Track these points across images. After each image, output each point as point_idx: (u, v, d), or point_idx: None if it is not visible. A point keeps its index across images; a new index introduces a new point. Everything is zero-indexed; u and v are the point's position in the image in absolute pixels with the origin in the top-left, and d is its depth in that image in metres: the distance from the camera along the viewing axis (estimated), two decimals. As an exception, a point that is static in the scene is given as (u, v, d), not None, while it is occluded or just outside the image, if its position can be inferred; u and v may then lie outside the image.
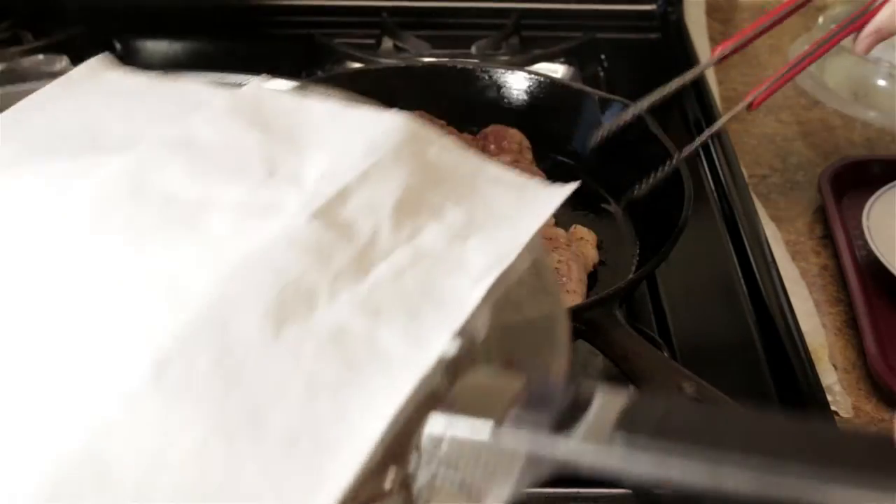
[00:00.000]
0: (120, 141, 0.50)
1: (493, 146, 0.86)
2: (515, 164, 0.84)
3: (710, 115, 0.97)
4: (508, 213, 0.48)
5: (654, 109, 0.81)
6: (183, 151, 0.48)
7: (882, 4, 0.73)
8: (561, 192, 0.50)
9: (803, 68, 0.80)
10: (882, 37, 0.74)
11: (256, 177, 0.47)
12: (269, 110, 0.52)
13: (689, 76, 0.77)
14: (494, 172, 0.51)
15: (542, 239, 0.49)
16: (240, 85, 0.57)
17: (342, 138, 0.50)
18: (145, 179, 0.47)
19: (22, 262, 0.43)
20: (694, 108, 1.00)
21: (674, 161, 0.75)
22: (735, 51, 0.77)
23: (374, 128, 0.51)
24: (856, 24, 0.75)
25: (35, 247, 0.44)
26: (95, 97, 0.54)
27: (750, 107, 0.76)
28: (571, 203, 0.82)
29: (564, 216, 0.80)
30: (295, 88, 0.57)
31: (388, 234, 0.44)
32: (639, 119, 0.80)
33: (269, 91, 0.54)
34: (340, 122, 0.52)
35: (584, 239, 0.76)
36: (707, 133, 0.80)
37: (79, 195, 0.46)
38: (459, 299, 0.42)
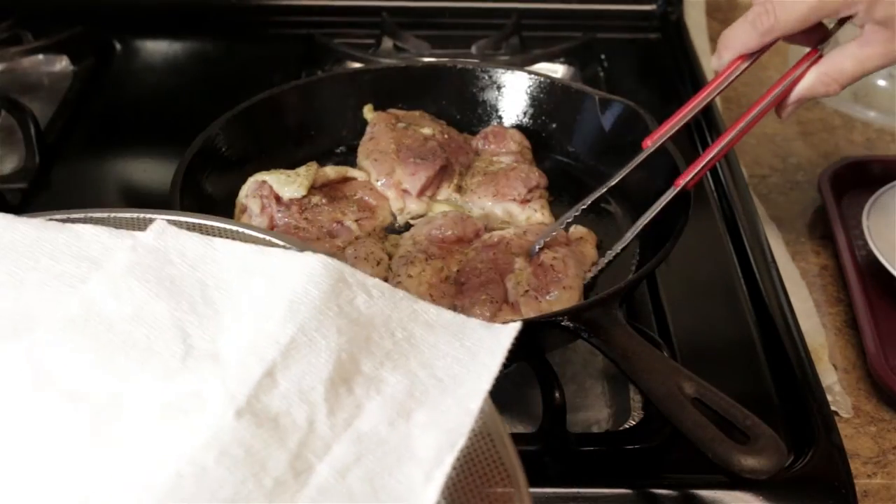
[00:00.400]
0: (13, 319, 0.45)
1: (492, 146, 0.86)
2: (515, 164, 0.84)
3: (709, 116, 0.97)
4: (452, 370, 0.43)
5: (654, 109, 0.81)
6: (87, 332, 0.43)
7: (805, 72, 0.73)
8: (505, 338, 0.44)
9: (729, 149, 0.77)
10: (803, 102, 0.74)
11: (172, 358, 0.43)
12: (175, 262, 0.47)
13: (635, 162, 0.74)
14: (428, 315, 0.46)
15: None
16: (136, 221, 0.52)
17: (259, 296, 0.46)
18: (48, 373, 0.42)
19: None
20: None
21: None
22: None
23: (292, 280, 0.45)
24: (777, 98, 0.74)
25: None
26: None
27: (686, 187, 0.72)
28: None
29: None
30: (196, 224, 0.51)
31: (324, 422, 0.40)
32: (639, 119, 0.80)
33: (172, 237, 0.48)
34: (253, 274, 0.47)
35: (584, 238, 0.76)
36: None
37: None
38: (413, 501, 0.38)
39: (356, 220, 0.77)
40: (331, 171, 0.82)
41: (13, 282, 0.47)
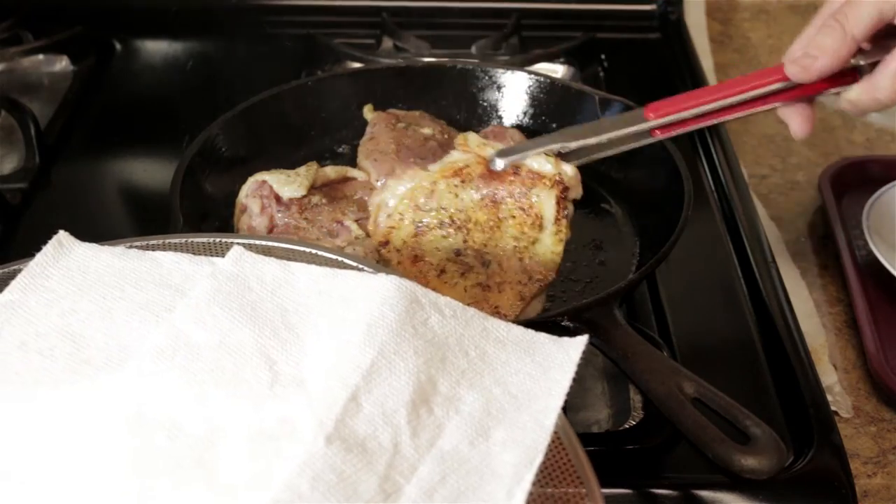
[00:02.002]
0: (106, 352, 0.46)
1: (493, 146, 0.87)
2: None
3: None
4: (525, 386, 0.45)
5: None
6: (176, 362, 0.45)
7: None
8: (574, 352, 0.46)
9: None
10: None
11: (260, 385, 0.44)
12: (254, 288, 0.48)
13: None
14: (499, 332, 0.47)
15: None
16: (212, 245, 0.53)
17: (337, 320, 0.47)
18: (143, 406, 0.43)
19: None
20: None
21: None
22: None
23: (368, 304, 0.47)
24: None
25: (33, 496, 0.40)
26: (68, 290, 0.50)
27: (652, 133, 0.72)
28: (571, 203, 0.82)
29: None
30: (269, 247, 0.53)
31: (408, 444, 0.42)
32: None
33: (249, 262, 0.50)
34: (330, 297, 0.48)
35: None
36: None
37: (75, 434, 0.42)
38: None
39: (356, 220, 0.77)
40: (331, 171, 0.82)
41: (102, 312, 0.48)
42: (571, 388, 0.70)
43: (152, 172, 0.92)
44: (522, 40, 1.12)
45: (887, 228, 0.84)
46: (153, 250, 0.53)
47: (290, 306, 0.48)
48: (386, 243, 0.74)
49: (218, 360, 0.45)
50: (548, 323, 0.62)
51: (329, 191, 0.80)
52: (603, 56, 1.11)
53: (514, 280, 0.69)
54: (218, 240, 0.53)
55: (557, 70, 1.11)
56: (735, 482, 0.57)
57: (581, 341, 0.46)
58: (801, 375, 0.67)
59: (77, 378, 0.45)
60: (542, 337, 0.47)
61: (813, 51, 0.64)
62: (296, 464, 0.40)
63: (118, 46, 1.12)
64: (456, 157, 0.76)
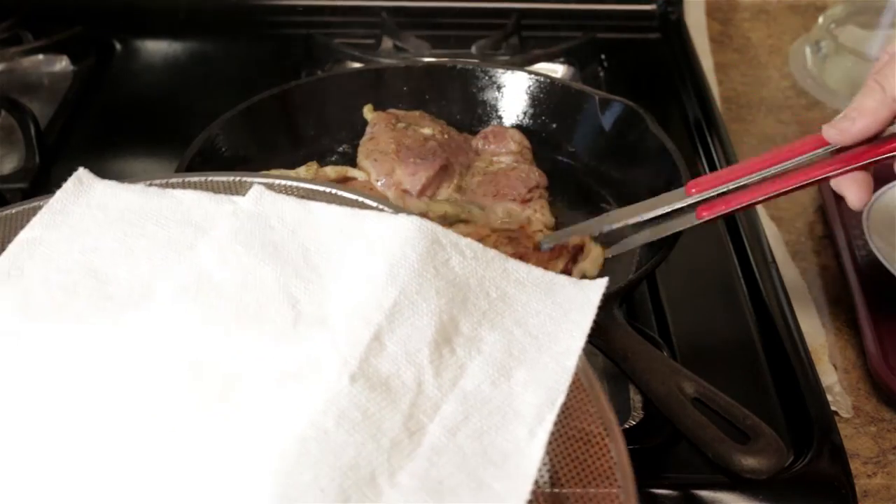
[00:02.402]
0: (129, 289, 0.46)
1: (492, 146, 0.86)
2: (515, 164, 0.84)
3: (709, 115, 0.97)
4: (546, 328, 0.45)
5: (654, 109, 0.81)
6: (200, 300, 0.45)
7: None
8: (594, 294, 0.47)
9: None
10: None
11: (283, 323, 0.44)
12: (275, 227, 0.49)
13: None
14: (519, 273, 0.48)
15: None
16: (232, 184, 0.53)
17: (358, 259, 0.47)
18: (168, 344, 0.43)
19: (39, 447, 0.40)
20: (694, 107, 1.00)
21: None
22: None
23: (390, 243, 0.47)
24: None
25: (57, 434, 0.40)
26: (89, 227, 0.50)
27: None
28: (571, 203, 0.83)
29: (565, 216, 0.80)
30: (290, 187, 0.52)
31: (431, 383, 0.42)
32: (639, 119, 0.80)
33: (270, 201, 0.50)
34: (351, 237, 0.48)
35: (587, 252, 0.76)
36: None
37: (99, 370, 0.42)
38: (519, 458, 0.39)
39: (356, 220, 0.77)
40: (331, 171, 0.82)
41: (124, 250, 0.48)
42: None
43: (152, 172, 0.91)
44: (522, 40, 1.13)
45: (887, 228, 0.84)
46: (173, 188, 0.52)
47: (312, 245, 0.48)
48: None
49: (241, 298, 0.45)
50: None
51: (329, 191, 0.80)
52: (603, 56, 1.11)
53: None
54: (237, 179, 0.53)
55: (557, 70, 1.11)
56: (735, 482, 0.57)
57: (601, 283, 0.47)
58: (801, 375, 0.67)
59: (101, 314, 0.45)
60: (562, 279, 0.47)
61: (852, 113, 0.62)
62: (321, 401, 0.40)
63: (118, 46, 1.12)
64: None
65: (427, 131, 0.86)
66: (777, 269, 0.77)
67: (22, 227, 0.50)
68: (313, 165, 0.81)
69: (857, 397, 0.74)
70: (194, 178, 0.54)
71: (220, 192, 0.53)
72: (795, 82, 1.14)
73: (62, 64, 1.12)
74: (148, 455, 0.39)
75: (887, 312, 0.79)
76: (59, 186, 0.90)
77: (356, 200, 0.52)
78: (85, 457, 0.40)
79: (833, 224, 0.88)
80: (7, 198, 0.85)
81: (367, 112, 0.89)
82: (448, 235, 0.47)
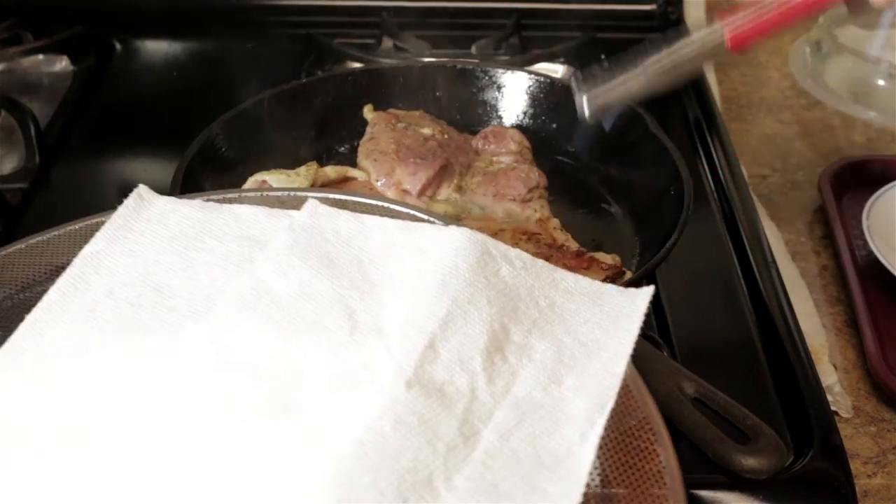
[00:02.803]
0: (190, 301, 0.48)
1: (492, 146, 0.87)
2: (515, 164, 0.84)
3: (709, 115, 0.97)
4: (594, 335, 0.46)
5: (654, 109, 0.81)
6: (259, 310, 0.46)
7: None
8: (641, 302, 0.48)
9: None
10: None
11: (340, 332, 0.46)
12: (330, 240, 0.50)
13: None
14: (567, 283, 0.49)
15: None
16: (286, 197, 0.54)
17: (411, 271, 0.48)
18: (230, 351, 0.45)
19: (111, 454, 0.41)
20: (694, 107, 1.00)
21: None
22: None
23: (441, 255, 0.48)
24: None
25: (127, 438, 0.42)
26: (150, 241, 0.52)
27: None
28: (571, 203, 0.83)
29: (564, 217, 0.80)
30: (346, 202, 0.54)
31: (484, 389, 0.43)
32: (639, 119, 0.80)
33: (324, 215, 0.52)
34: (403, 249, 0.50)
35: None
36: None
37: (166, 379, 0.44)
38: (571, 461, 0.40)
39: (356, 220, 0.77)
40: (331, 171, 0.82)
41: (184, 263, 0.50)
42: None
43: (152, 172, 0.92)
44: (522, 40, 1.12)
45: (887, 228, 0.84)
46: (230, 203, 0.54)
47: (366, 257, 0.49)
48: None
49: (299, 308, 0.46)
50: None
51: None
52: (603, 56, 1.11)
53: None
54: (292, 193, 0.55)
55: (557, 70, 1.11)
56: (735, 482, 0.57)
57: (648, 291, 0.48)
58: (801, 375, 0.67)
59: (165, 325, 0.47)
60: (610, 288, 0.49)
61: None
62: (378, 407, 0.41)
63: (118, 46, 1.12)
64: (538, 228, 0.77)
65: (427, 131, 0.86)
66: (777, 269, 0.77)
67: (85, 241, 0.52)
68: (313, 165, 0.81)
69: (857, 397, 0.74)
70: (250, 193, 0.55)
71: (274, 207, 0.54)
72: (795, 82, 1.14)
73: (62, 64, 1.12)
74: (211, 460, 0.41)
75: (887, 312, 0.79)
76: (59, 186, 0.91)
77: (408, 214, 0.54)
78: (152, 462, 0.41)
79: (833, 224, 0.88)
80: (7, 198, 0.85)
81: (367, 112, 0.89)
82: (498, 247, 0.49)
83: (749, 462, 0.53)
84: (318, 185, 0.80)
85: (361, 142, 0.86)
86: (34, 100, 1.02)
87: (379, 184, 0.82)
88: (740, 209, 0.84)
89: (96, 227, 0.53)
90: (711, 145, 0.93)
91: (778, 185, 0.98)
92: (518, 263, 0.49)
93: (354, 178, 0.82)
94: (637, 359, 0.59)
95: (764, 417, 0.55)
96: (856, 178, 0.94)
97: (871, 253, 0.81)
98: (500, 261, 0.48)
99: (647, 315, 0.74)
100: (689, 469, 0.60)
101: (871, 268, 0.82)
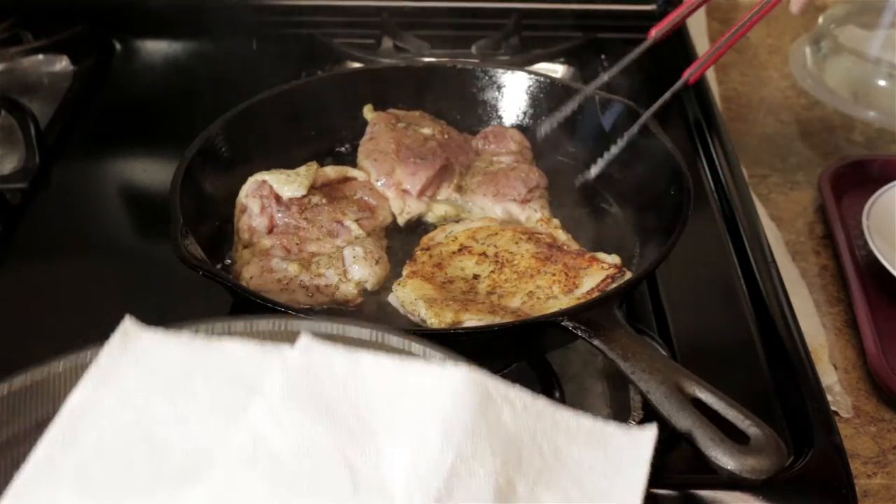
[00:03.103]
0: (186, 456, 0.46)
1: (492, 146, 0.87)
2: (515, 164, 0.84)
3: (709, 115, 0.97)
4: (600, 485, 0.46)
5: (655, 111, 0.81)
6: (259, 470, 0.45)
7: None
8: (645, 449, 0.47)
9: (736, 40, 0.80)
10: None
11: (341, 493, 0.44)
12: (326, 383, 0.48)
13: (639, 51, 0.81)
14: (568, 424, 0.48)
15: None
16: (275, 332, 0.53)
17: (410, 416, 0.47)
18: None
19: None
20: (694, 107, 1.00)
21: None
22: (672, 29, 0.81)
23: (441, 400, 0.47)
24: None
25: None
26: (139, 385, 0.49)
27: (688, 84, 0.78)
28: (571, 203, 0.83)
29: (565, 217, 0.80)
30: (335, 336, 0.52)
31: None
32: (639, 119, 0.80)
33: (318, 353, 0.50)
34: (402, 392, 0.48)
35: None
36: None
37: None
38: None
39: (356, 220, 0.77)
40: (331, 171, 0.82)
41: (176, 412, 0.48)
42: (571, 389, 0.70)
43: (152, 172, 0.92)
44: (522, 40, 1.12)
45: (887, 228, 0.84)
46: (218, 336, 0.52)
47: (363, 402, 0.48)
48: (427, 249, 0.75)
49: (299, 465, 0.45)
50: (549, 323, 0.62)
51: (329, 191, 0.80)
52: (603, 56, 1.11)
53: (502, 311, 0.68)
54: (282, 324, 0.53)
55: (557, 70, 1.11)
56: (735, 482, 0.57)
57: (651, 435, 0.47)
58: (801, 375, 0.67)
59: (160, 487, 0.45)
60: (612, 429, 0.48)
61: None
62: None
63: (118, 46, 1.12)
64: (540, 228, 0.77)
65: (427, 131, 0.86)
66: (777, 269, 0.77)
67: (71, 384, 0.50)
68: (313, 165, 0.81)
69: (857, 397, 0.74)
70: (239, 324, 0.53)
71: (264, 339, 0.53)
72: (795, 82, 1.14)
73: (62, 64, 1.12)
74: None
75: (887, 312, 0.79)
76: (59, 186, 0.91)
77: (402, 348, 0.52)
78: None
79: (833, 224, 0.88)
80: (7, 198, 0.85)
81: (367, 112, 0.89)
82: (498, 387, 0.48)
83: (749, 462, 0.53)
84: (318, 184, 0.80)
85: (361, 142, 0.86)
86: (34, 100, 1.02)
87: (379, 184, 0.82)
88: (740, 209, 0.84)
89: (82, 369, 0.50)
90: (711, 145, 0.93)
91: (778, 185, 0.98)
92: (519, 404, 0.48)
93: (354, 178, 0.82)
94: (637, 359, 0.59)
95: (764, 417, 0.55)
96: (856, 178, 0.94)
97: (871, 253, 0.81)
98: (501, 403, 0.47)
99: (647, 315, 0.75)
100: (689, 469, 0.60)
101: (871, 268, 0.82)
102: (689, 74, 0.76)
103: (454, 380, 0.48)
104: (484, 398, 0.47)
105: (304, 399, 0.48)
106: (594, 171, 0.81)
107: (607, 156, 0.80)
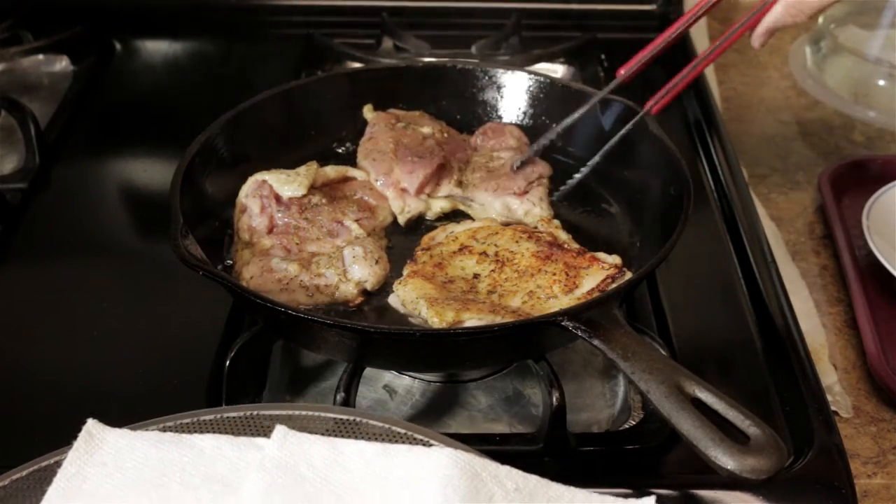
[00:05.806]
0: None
1: (491, 141, 0.87)
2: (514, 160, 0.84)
3: (709, 115, 0.97)
4: None
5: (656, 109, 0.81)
6: None
7: (774, 2, 0.77)
8: None
9: (700, 71, 0.82)
10: (773, 32, 0.79)
11: None
12: (306, 476, 0.46)
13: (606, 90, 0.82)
14: (562, 502, 0.47)
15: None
16: (246, 419, 0.50)
17: None
18: None
19: None
20: (694, 108, 1.00)
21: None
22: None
23: (429, 487, 0.45)
24: (750, 22, 0.78)
25: None
26: (108, 492, 0.47)
27: (650, 113, 0.79)
28: (571, 203, 0.83)
29: (565, 216, 0.80)
30: (317, 420, 0.50)
31: None
32: (640, 120, 0.80)
33: (296, 444, 0.47)
34: (386, 480, 0.46)
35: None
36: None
37: None
38: None
39: (356, 220, 0.77)
40: (331, 171, 0.82)
41: None
42: (571, 389, 0.70)
43: (152, 172, 0.92)
44: (522, 40, 1.12)
45: (887, 228, 0.84)
46: (188, 431, 0.50)
47: (347, 496, 0.46)
48: (427, 248, 0.75)
49: None
50: (549, 322, 0.62)
51: (329, 190, 0.80)
52: (603, 56, 1.11)
53: (503, 311, 0.68)
54: (253, 412, 0.51)
55: (557, 70, 1.11)
56: (735, 482, 0.57)
57: (650, 503, 0.46)
58: (800, 375, 0.67)
59: None
60: (609, 501, 0.47)
61: None
62: None
63: (118, 46, 1.12)
64: (541, 227, 0.78)
65: (426, 130, 0.86)
66: (777, 269, 0.77)
67: (36, 492, 0.48)
68: (313, 165, 0.81)
69: (857, 397, 0.74)
70: (207, 417, 0.51)
71: (236, 430, 0.50)
72: (795, 82, 1.14)
73: (62, 64, 1.12)
74: None
75: (887, 312, 0.79)
76: (59, 186, 0.91)
77: (385, 429, 0.50)
78: None
79: (833, 224, 0.88)
80: (7, 198, 0.85)
81: (367, 112, 0.89)
82: (487, 467, 0.46)
83: (749, 462, 0.53)
84: (318, 184, 0.80)
85: (361, 141, 0.86)
86: (34, 100, 1.03)
87: (378, 183, 0.82)
88: (740, 209, 0.84)
89: (47, 472, 0.48)
90: (711, 145, 0.93)
91: (778, 185, 0.98)
92: (510, 485, 0.46)
93: (354, 178, 0.83)
94: (637, 359, 0.59)
95: (764, 417, 0.55)
96: (856, 178, 0.94)
97: (871, 253, 0.81)
98: (492, 485, 0.45)
99: (647, 315, 0.75)
100: (689, 469, 0.60)
101: (871, 268, 0.82)
102: (649, 106, 0.80)
103: (440, 464, 0.45)
104: (474, 482, 0.45)
105: (286, 498, 0.45)
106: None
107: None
